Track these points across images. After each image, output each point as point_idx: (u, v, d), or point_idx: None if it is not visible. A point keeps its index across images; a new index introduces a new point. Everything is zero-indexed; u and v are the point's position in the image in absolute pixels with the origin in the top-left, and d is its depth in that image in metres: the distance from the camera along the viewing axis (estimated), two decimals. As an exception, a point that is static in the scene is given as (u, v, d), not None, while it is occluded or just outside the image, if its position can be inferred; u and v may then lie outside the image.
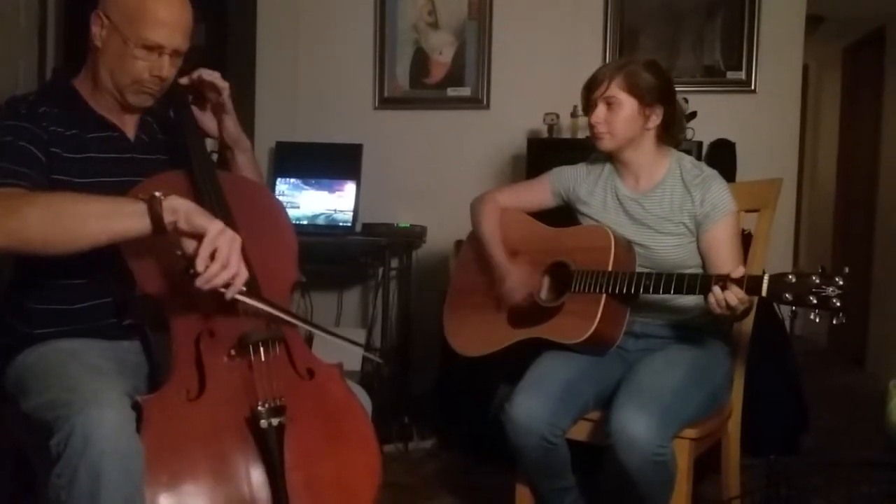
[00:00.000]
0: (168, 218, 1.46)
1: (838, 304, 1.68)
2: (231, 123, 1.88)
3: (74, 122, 1.72)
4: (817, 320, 1.73)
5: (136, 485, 1.38)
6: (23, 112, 1.66)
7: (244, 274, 1.49)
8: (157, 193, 1.47)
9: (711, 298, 1.85)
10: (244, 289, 1.51)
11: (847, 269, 1.69)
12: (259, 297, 1.58)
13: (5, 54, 3.35)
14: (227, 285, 1.47)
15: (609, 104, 2.09)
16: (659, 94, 2.10)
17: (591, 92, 2.13)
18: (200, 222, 1.47)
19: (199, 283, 1.45)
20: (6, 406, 1.68)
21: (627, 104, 2.08)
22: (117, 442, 1.37)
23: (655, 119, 2.11)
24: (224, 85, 1.84)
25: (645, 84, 2.08)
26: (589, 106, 2.15)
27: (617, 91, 2.08)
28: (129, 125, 1.81)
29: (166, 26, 1.67)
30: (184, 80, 1.82)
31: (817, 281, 1.70)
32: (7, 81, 3.37)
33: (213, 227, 1.46)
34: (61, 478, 1.36)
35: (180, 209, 1.47)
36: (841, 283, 1.68)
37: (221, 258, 1.45)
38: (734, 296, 1.81)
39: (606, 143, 2.13)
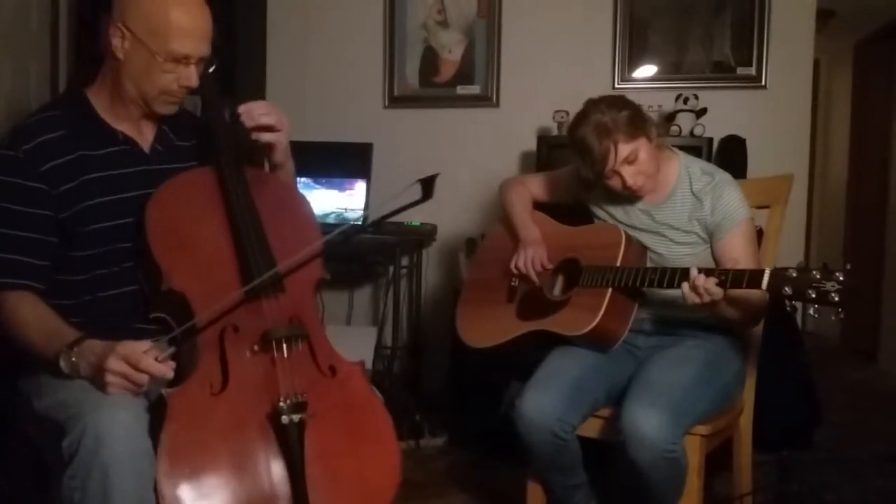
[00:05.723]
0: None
1: (836, 298, 1.67)
2: (281, 151, 1.85)
3: (81, 141, 1.67)
4: (816, 315, 1.73)
5: (147, 485, 1.39)
6: (20, 156, 1.60)
7: None
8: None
9: (685, 287, 1.86)
10: None
11: (849, 266, 1.69)
12: None
13: (18, 57, 3.36)
14: None
15: (630, 162, 2.05)
16: (642, 115, 2.09)
17: (604, 167, 2.05)
18: None
19: None
20: (22, 405, 1.69)
21: (641, 146, 2.04)
22: (129, 443, 1.37)
23: (656, 134, 2.10)
24: (273, 124, 1.79)
25: (633, 120, 2.04)
26: (606, 177, 2.08)
27: (626, 147, 2.03)
28: (145, 136, 1.77)
29: (192, 37, 1.63)
30: (247, 123, 1.77)
31: (818, 276, 1.70)
32: (20, 84, 3.38)
33: None
34: (75, 479, 1.37)
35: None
36: (841, 278, 1.68)
37: None
38: (711, 283, 1.82)
39: (650, 186, 2.10)
